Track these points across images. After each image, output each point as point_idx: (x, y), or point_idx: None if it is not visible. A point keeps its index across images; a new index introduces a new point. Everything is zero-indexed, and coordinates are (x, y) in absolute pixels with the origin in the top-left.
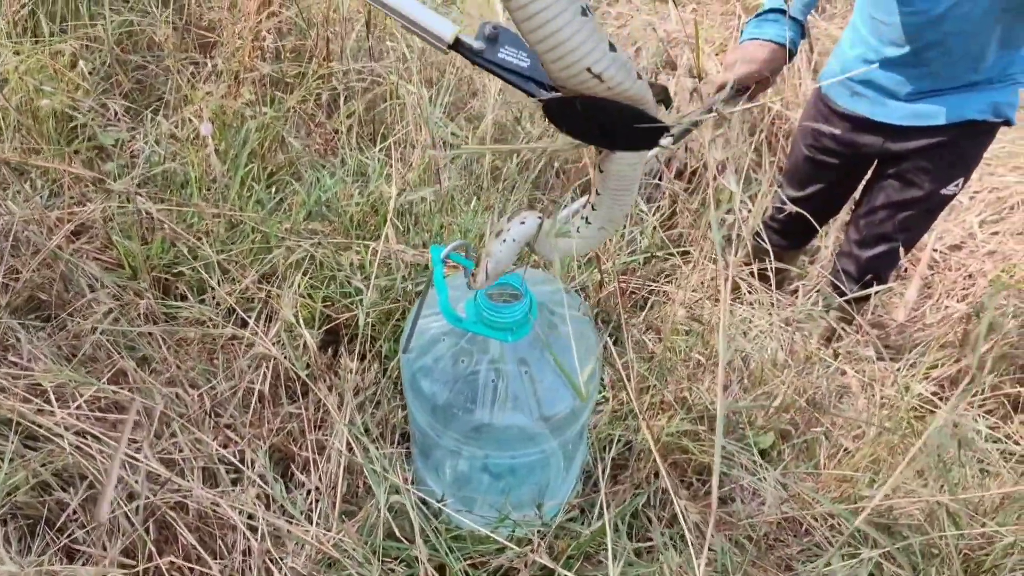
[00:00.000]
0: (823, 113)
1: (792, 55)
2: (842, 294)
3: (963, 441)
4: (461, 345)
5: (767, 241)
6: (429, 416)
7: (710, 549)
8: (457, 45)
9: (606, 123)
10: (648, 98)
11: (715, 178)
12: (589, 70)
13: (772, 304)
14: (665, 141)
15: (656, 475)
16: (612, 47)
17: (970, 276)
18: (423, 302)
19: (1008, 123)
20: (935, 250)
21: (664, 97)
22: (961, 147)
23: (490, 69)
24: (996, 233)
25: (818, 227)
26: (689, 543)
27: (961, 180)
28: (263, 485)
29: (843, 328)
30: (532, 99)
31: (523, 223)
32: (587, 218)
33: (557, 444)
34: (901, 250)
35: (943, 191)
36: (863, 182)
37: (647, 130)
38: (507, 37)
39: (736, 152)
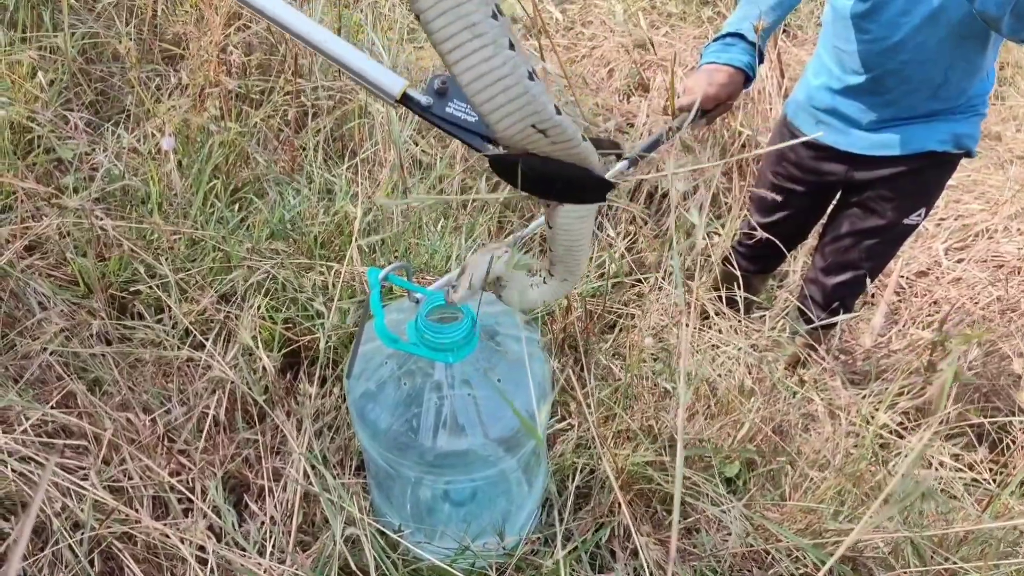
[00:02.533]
0: (787, 140)
1: (750, 80)
2: (809, 320)
3: (927, 493)
4: (405, 368)
5: (736, 266)
6: (375, 441)
7: None
8: (405, 100)
9: (551, 179)
10: (592, 159)
11: (675, 208)
12: (534, 127)
13: (739, 330)
14: (621, 164)
15: (621, 505)
16: (558, 111)
17: (935, 303)
18: (364, 325)
19: (969, 154)
20: (901, 276)
21: (614, 149)
22: (923, 177)
23: (438, 124)
24: (961, 260)
25: (786, 252)
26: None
27: (924, 210)
28: (214, 517)
29: (809, 355)
30: (479, 153)
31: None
32: (550, 271)
33: (515, 462)
34: (867, 279)
35: (905, 220)
36: (829, 209)
37: (592, 186)
38: (456, 90)
39: (707, 178)
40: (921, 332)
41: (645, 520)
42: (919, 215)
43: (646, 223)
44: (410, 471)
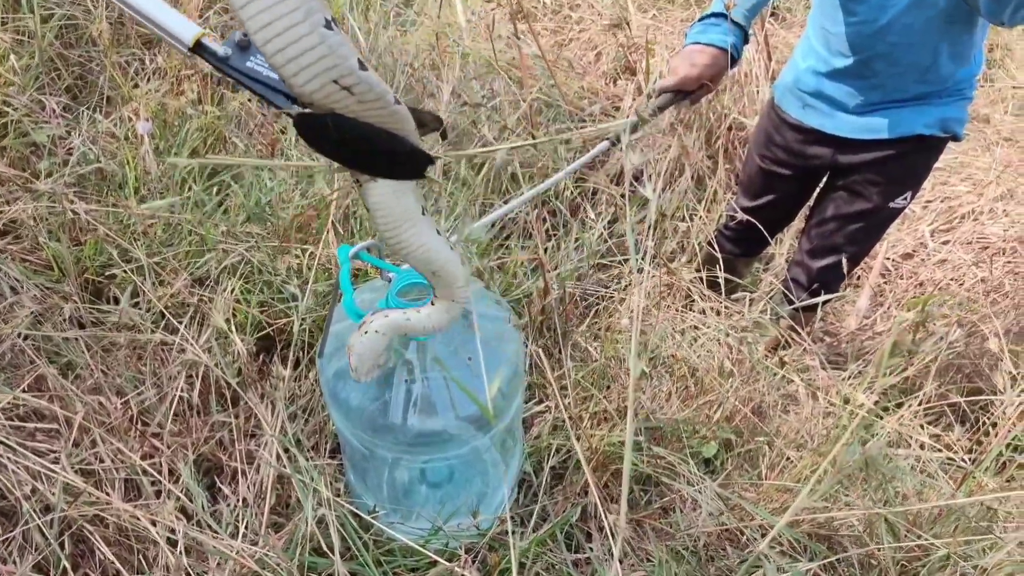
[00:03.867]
0: (775, 124)
1: (735, 61)
2: (793, 303)
3: (871, 461)
4: None
5: (720, 249)
6: (348, 420)
7: (648, 560)
8: (199, 49)
9: (361, 146)
10: (407, 125)
11: (631, 184)
12: (336, 82)
13: (720, 312)
14: (602, 145)
15: (602, 486)
16: (363, 65)
17: (921, 284)
18: (335, 304)
19: (956, 138)
20: (887, 259)
21: (436, 126)
22: (909, 161)
23: (235, 78)
24: (947, 242)
25: (770, 237)
26: (617, 558)
27: (909, 194)
28: (184, 499)
29: (791, 337)
30: (283, 112)
31: (387, 316)
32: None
33: (488, 440)
34: (852, 262)
35: (891, 204)
36: (816, 193)
37: (409, 158)
38: None
39: (694, 160)
40: (905, 314)
41: (615, 502)
42: (905, 199)
43: (626, 205)
44: (384, 451)
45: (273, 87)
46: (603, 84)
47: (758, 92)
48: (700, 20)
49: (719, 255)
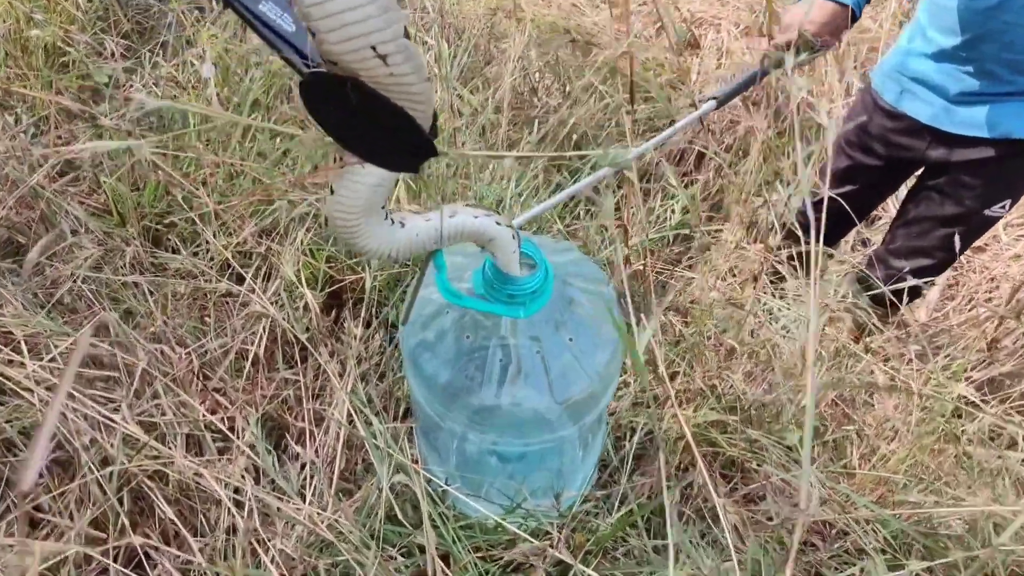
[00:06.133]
0: (868, 110)
1: (855, 18)
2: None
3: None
4: (467, 318)
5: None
6: (430, 395)
7: (737, 550)
8: None
9: (371, 123)
10: (428, 109)
11: (799, 110)
12: (374, 48)
13: (802, 292)
14: (708, 105)
15: (682, 469)
16: (407, 33)
17: (993, 279)
18: (424, 272)
19: None
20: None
21: (432, 123)
22: (1011, 166)
23: (247, 20)
24: (1022, 237)
25: (846, 228)
26: (727, 545)
27: (1008, 202)
28: (253, 456)
29: (874, 324)
30: (294, 70)
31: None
32: None
33: (575, 430)
34: (938, 270)
35: (987, 212)
36: (904, 189)
37: (412, 146)
38: None
39: (762, 140)
40: (993, 308)
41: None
42: (1003, 207)
43: (731, 166)
44: (465, 428)
45: (284, 37)
46: (666, 57)
47: (826, 72)
48: None
49: (800, 234)
